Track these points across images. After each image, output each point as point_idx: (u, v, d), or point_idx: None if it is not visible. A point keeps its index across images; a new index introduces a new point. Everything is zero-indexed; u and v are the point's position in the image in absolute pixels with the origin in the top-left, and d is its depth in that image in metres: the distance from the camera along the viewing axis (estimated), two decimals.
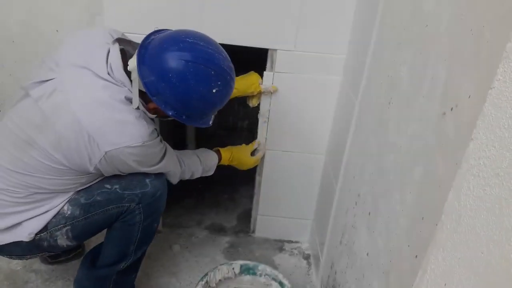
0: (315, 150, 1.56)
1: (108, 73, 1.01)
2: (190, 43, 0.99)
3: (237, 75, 1.37)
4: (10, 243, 1.09)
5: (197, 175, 1.34)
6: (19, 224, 1.08)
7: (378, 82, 1.03)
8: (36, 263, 1.50)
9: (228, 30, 1.33)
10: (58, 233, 1.12)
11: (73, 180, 1.08)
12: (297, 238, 1.78)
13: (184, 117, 1.05)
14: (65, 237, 1.13)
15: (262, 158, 1.57)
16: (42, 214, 1.09)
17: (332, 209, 1.37)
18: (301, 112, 1.49)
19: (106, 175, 1.11)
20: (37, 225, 1.09)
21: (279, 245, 1.75)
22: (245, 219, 1.86)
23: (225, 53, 1.04)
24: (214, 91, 1.00)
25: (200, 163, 1.33)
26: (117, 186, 1.15)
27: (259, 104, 1.47)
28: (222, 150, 1.45)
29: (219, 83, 1.01)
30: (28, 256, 1.20)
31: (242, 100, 1.49)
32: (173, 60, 0.97)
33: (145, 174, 1.16)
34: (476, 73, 0.59)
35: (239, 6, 1.30)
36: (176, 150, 1.28)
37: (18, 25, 1.75)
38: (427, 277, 0.63)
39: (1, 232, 1.08)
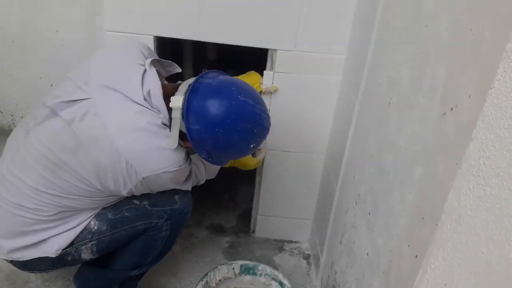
0: (315, 150, 1.56)
1: (145, 99, 0.98)
2: (241, 101, 1.01)
3: (237, 75, 1.38)
4: (35, 258, 1.07)
5: (202, 182, 1.33)
6: (46, 240, 1.06)
7: (378, 82, 1.03)
8: None
9: (228, 30, 1.33)
10: (83, 247, 1.11)
11: (104, 201, 1.08)
12: (297, 238, 1.78)
13: (214, 161, 1.11)
14: (89, 251, 1.12)
15: (263, 158, 1.57)
16: (69, 230, 1.07)
17: (332, 209, 1.37)
18: (301, 112, 1.49)
19: (137, 194, 1.09)
20: (64, 241, 1.07)
21: (279, 245, 1.75)
22: (245, 219, 1.86)
23: (266, 108, 1.09)
24: (251, 146, 1.07)
25: (205, 169, 1.32)
26: (146, 202, 1.14)
27: None
28: None
29: (257, 139, 1.08)
30: (50, 270, 1.20)
31: None
32: (223, 117, 0.99)
33: (175, 191, 1.16)
34: (476, 73, 0.59)
35: (239, 6, 1.30)
36: None
37: (18, 25, 1.75)
38: (427, 277, 0.63)
39: (27, 248, 1.06)
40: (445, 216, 0.60)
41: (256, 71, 1.44)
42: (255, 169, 1.60)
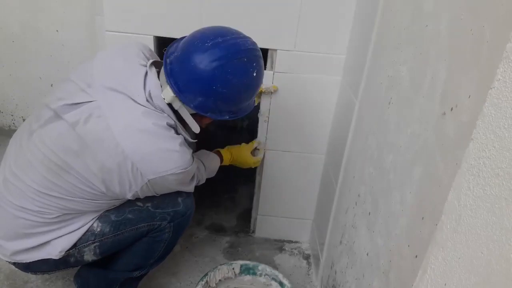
0: (315, 150, 1.56)
1: (147, 100, 0.98)
2: (211, 46, 0.96)
3: None
4: (38, 260, 1.07)
5: (202, 182, 1.33)
6: (49, 242, 1.06)
7: (378, 82, 1.03)
8: None
9: None
10: (86, 249, 1.11)
11: (107, 204, 1.08)
12: (297, 238, 1.78)
13: (239, 113, 1.07)
14: (92, 253, 1.12)
15: (262, 158, 1.57)
16: (72, 232, 1.07)
17: (332, 209, 1.37)
18: (301, 112, 1.49)
19: (141, 197, 1.08)
20: (67, 243, 1.07)
21: (279, 245, 1.75)
22: (245, 219, 1.86)
23: (239, 31, 1.02)
24: (254, 74, 1.01)
25: (205, 169, 1.32)
26: (149, 204, 1.14)
27: (259, 104, 1.48)
28: (222, 151, 1.45)
29: (254, 64, 1.01)
30: (52, 272, 1.19)
31: None
32: (209, 73, 0.95)
33: (178, 193, 1.16)
34: (476, 73, 0.59)
35: (239, 6, 1.30)
36: None
37: (18, 25, 1.75)
38: (427, 277, 0.63)
39: (30, 250, 1.06)
40: (445, 216, 0.60)
41: None
42: (255, 169, 1.60)
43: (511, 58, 0.48)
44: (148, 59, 1.05)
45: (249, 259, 1.49)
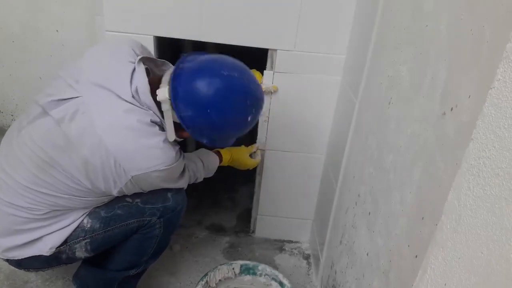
0: (315, 150, 1.56)
1: (133, 96, 0.98)
2: (226, 76, 0.98)
3: None
4: (30, 257, 1.08)
5: (200, 179, 1.33)
6: (39, 238, 1.06)
7: (378, 82, 1.03)
8: None
9: (228, 30, 1.33)
10: (77, 246, 1.11)
11: (96, 201, 1.08)
12: (297, 238, 1.78)
13: (216, 143, 1.09)
14: (83, 249, 1.12)
15: (262, 158, 1.57)
16: (62, 228, 1.07)
17: (332, 209, 1.37)
18: (301, 112, 1.49)
19: (128, 194, 1.09)
20: (58, 239, 1.07)
21: (279, 245, 1.75)
22: (245, 219, 1.86)
23: (256, 79, 1.07)
24: (249, 119, 1.04)
25: (203, 167, 1.32)
26: (138, 200, 1.14)
27: None
28: (222, 151, 1.45)
29: (253, 110, 1.04)
30: (46, 269, 1.19)
31: None
32: (211, 97, 0.97)
33: (168, 188, 1.16)
34: (476, 73, 0.59)
35: (239, 6, 1.30)
36: None
37: (18, 25, 1.75)
38: (427, 277, 0.63)
39: (22, 247, 1.06)
40: (445, 216, 0.60)
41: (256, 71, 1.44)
42: (255, 169, 1.60)
43: (511, 58, 0.48)
44: (138, 56, 1.05)
45: (249, 259, 1.49)
